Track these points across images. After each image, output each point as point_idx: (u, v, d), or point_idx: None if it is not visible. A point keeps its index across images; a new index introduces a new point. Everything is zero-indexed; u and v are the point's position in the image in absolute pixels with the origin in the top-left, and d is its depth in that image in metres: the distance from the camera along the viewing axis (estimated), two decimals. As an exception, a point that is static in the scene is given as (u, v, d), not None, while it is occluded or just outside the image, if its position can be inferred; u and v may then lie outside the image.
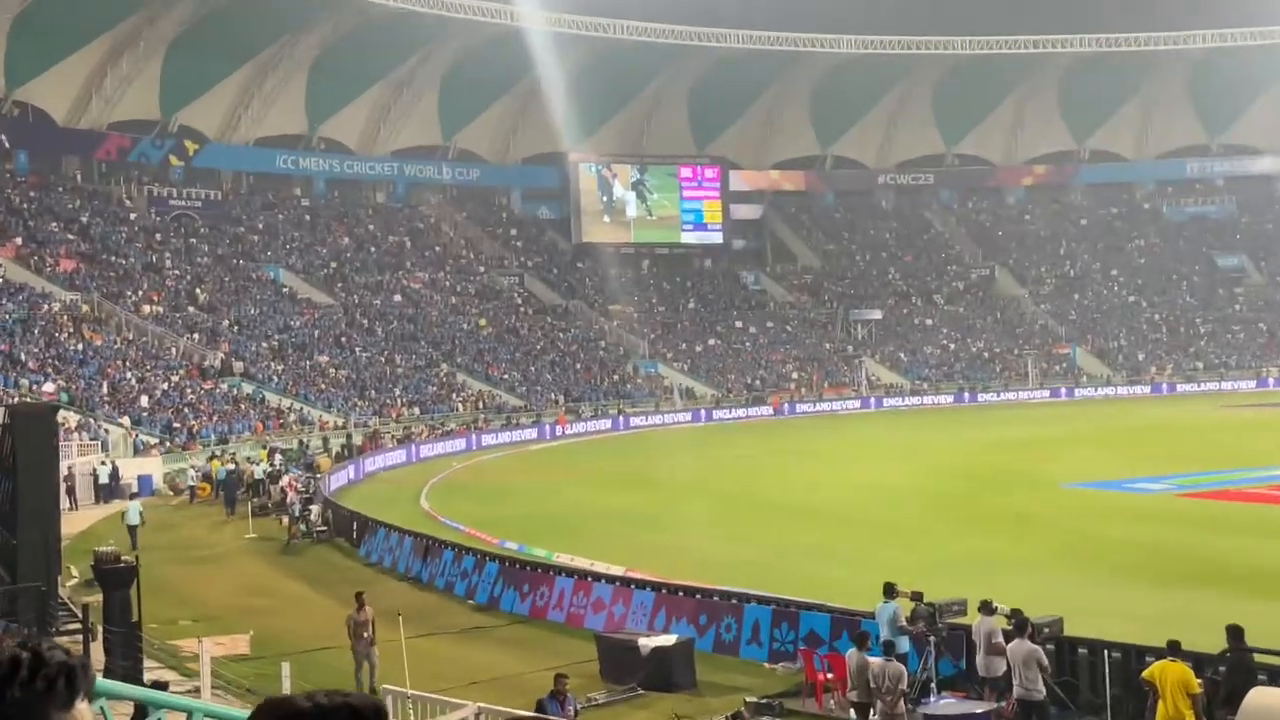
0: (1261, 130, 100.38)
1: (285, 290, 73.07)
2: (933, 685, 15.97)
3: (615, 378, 77.48)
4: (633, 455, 52.68)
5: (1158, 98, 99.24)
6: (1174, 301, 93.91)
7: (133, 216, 73.59)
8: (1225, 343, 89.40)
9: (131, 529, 32.69)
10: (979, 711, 14.56)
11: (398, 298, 77.51)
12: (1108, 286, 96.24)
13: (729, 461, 47.54)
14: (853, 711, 15.52)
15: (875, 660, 15.15)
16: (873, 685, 14.88)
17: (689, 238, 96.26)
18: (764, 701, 16.51)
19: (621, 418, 69.80)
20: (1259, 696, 11.84)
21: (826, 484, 39.39)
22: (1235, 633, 14.15)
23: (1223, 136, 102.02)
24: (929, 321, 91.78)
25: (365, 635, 18.41)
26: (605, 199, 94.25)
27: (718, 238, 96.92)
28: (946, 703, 15.08)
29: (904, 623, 16.66)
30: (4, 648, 1.34)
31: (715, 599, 20.75)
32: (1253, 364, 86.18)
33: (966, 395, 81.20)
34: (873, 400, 79.81)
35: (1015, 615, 15.62)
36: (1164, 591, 21.89)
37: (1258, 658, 14.15)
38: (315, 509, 34.22)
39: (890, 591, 17.10)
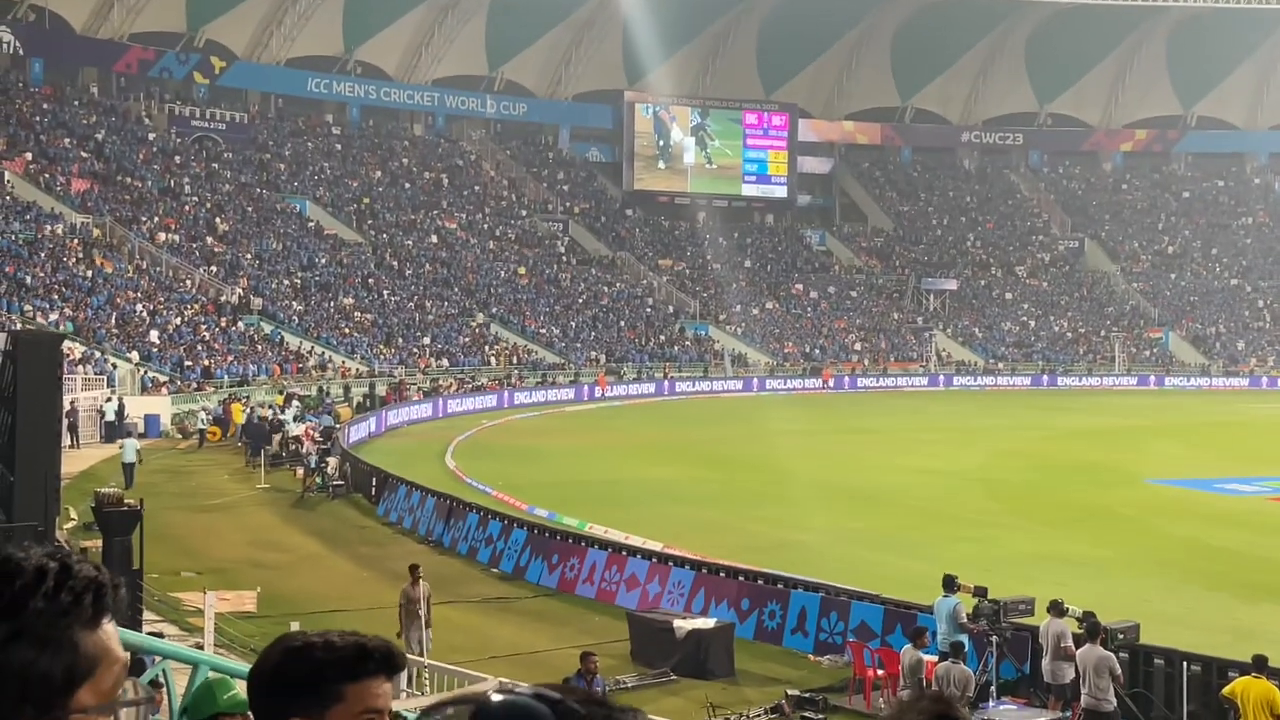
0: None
1: (311, 224, 73.47)
2: (992, 689, 15.94)
3: (661, 339, 77.49)
4: (677, 424, 52.73)
5: (1274, 62, 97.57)
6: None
7: (151, 136, 74.12)
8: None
9: (127, 467, 33.16)
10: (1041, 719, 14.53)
11: (432, 239, 77.77)
12: (1208, 267, 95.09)
13: (781, 436, 47.49)
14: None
15: (930, 658, 15.12)
16: (935, 688, 14.85)
17: (751, 190, 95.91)
18: (807, 695, 16.52)
19: (666, 382, 69.86)
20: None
21: (887, 466, 39.29)
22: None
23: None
24: (1008, 295, 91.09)
25: (420, 614, 17.83)
26: (661, 143, 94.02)
27: (782, 192, 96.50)
28: (1007, 709, 15.06)
29: (964, 619, 16.61)
30: (31, 556, 1.35)
31: (759, 582, 20.78)
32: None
33: (1045, 378, 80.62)
34: (941, 378, 79.43)
35: (1087, 618, 15.53)
36: (1250, 604, 21.71)
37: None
38: (333, 461, 34.52)
39: (951, 585, 17.05)
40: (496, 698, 1.06)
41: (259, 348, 56.61)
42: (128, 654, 1.34)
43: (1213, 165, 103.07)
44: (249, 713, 5.70)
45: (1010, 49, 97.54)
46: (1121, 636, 15.84)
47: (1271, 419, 58.02)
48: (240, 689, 5.52)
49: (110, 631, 1.35)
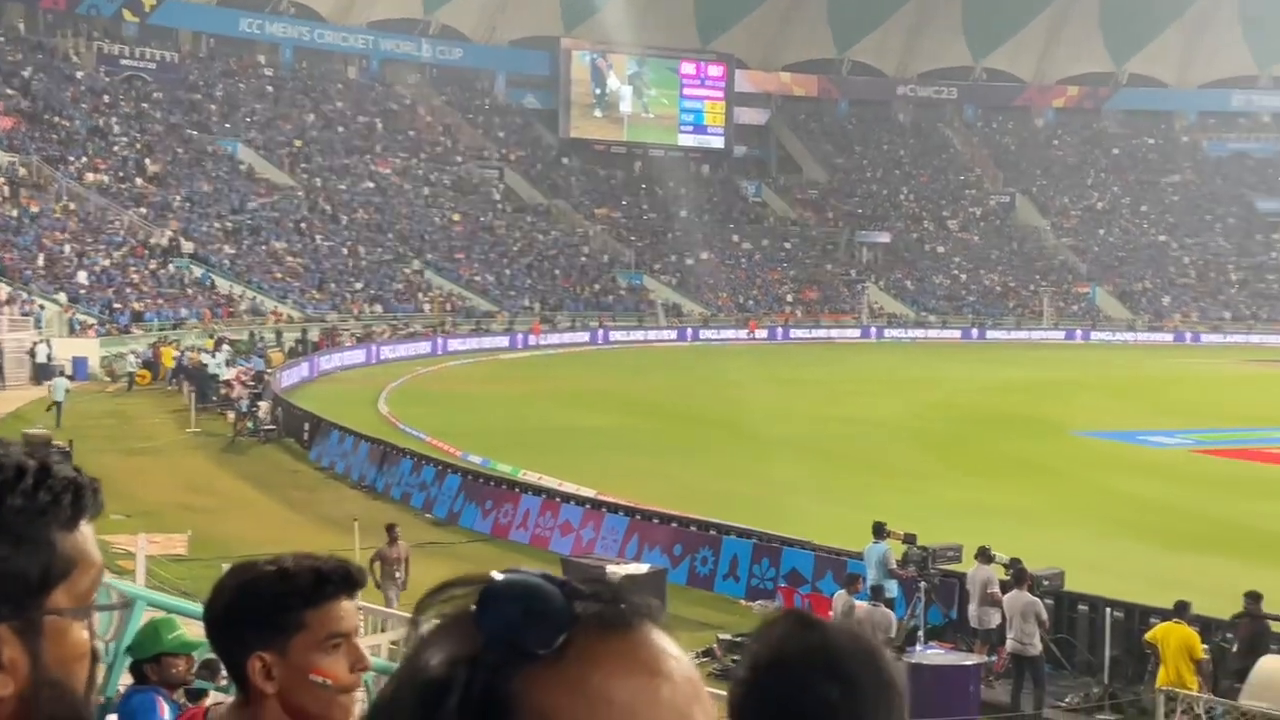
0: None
1: (243, 167, 72.48)
2: (920, 634, 16.15)
3: (596, 288, 77.37)
4: (611, 372, 52.77)
5: (1206, 21, 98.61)
6: (1206, 245, 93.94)
7: (79, 75, 72.67)
8: (1257, 292, 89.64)
9: (57, 405, 32.83)
10: (968, 664, 14.75)
11: (366, 184, 77.00)
12: (1136, 224, 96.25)
13: (715, 386, 47.66)
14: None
15: (861, 604, 15.30)
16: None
17: (687, 140, 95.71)
18: (738, 640, 16.65)
19: (601, 331, 69.86)
20: (1270, 664, 12.02)
21: (819, 416, 39.56)
22: (1254, 598, 14.32)
23: (1273, 68, 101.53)
24: (940, 249, 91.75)
25: (397, 576, 17.05)
26: (598, 91, 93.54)
27: (719, 142, 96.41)
28: (934, 653, 15.26)
29: (894, 566, 16.81)
30: (10, 454, 1.32)
31: (692, 529, 20.91)
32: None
33: (975, 331, 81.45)
34: (874, 330, 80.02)
35: (1014, 565, 15.77)
36: (1173, 552, 22.12)
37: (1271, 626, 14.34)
38: (264, 406, 34.26)
39: (880, 532, 17.23)
40: (502, 577, 1.00)
41: (189, 291, 55.94)
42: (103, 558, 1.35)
43: (1142, 123, 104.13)
44: (193, 654, 5.65)
45: (946, 3, 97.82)
46: (1047, 583, 16.11)
47: (1194, 373, 59.01)
48: (185, 629, 5.47)
49: (87, 534, 1.32)
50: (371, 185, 77.28)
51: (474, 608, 0.99)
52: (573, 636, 0.98)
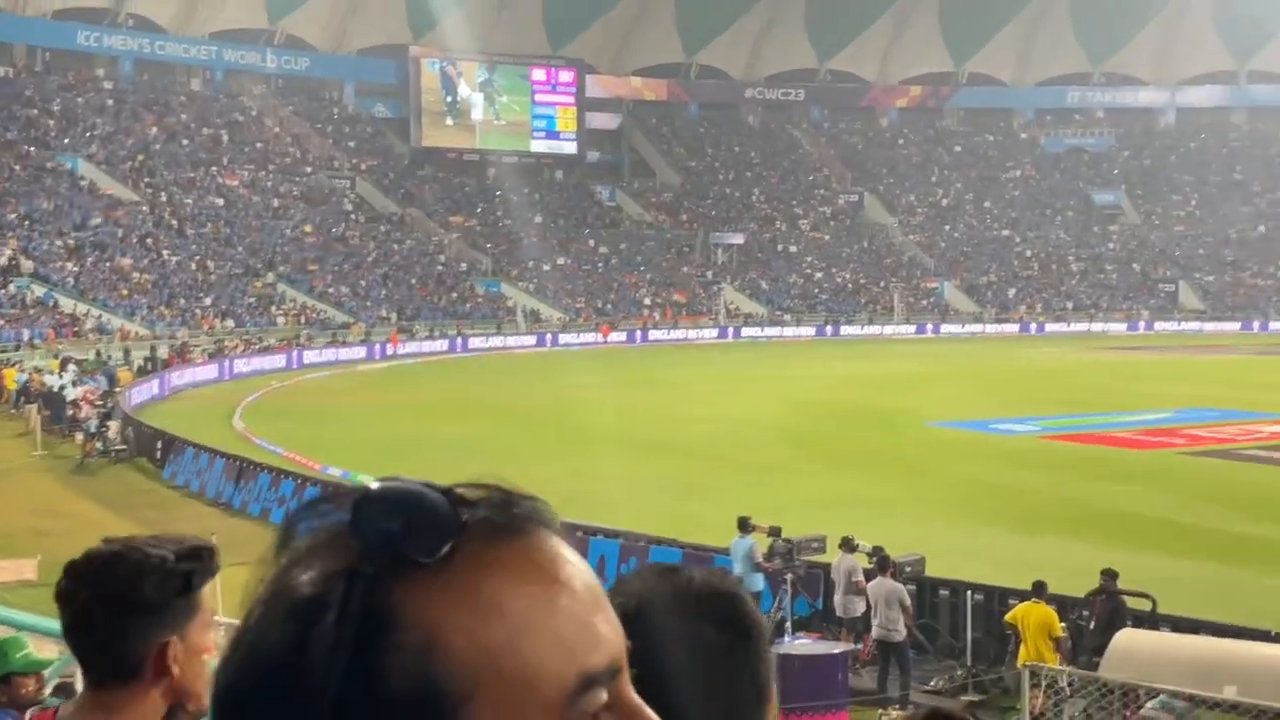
0: (1145, 61, 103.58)
1: (84, 183, 70.44)
2: (787, 625, 16.27)
3: (454, 295, 76.80)
4: (471, 380, 52.40)
5: (1041, 21, 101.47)
6: (1047, 237, 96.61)
7: (-93, 91, 70.03)
8: (1097, 282, 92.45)
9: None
10: (835, 652, 14.87)
11: (213, 197, 75.39)
12: (980, 219, 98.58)
13: (575, 390, 47.59)
14: (703, 651, 15.69)
15: (728, 598, 15.31)
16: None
17: (540, 146, 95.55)
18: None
19: (460, 339, 69.35)
20: (1126, 638, 12.32)
21: (679, 416, 39.72)
22: (1110, 575, 14.69)
23: (1106, 65, 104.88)
24: (793, 248, 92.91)
25: None
26: (449, 99, 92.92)
27: (571, 148, 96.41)
28: (802, 643, 15.36)
29: (760, 559, 16.91)
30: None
31: (558, 532, 20.74)
32: (1124, 305, 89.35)
33: (829, 328, 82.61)
34: (731, 330, 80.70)
35: (877, 553, 15.98)
36: (1027, 535, 22.63)
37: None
38: (113, 425, 33.33)
39: (745, 526, 17.31)
40: (379, 485, 0.90)
41: (31, 311, 54.21)
42: None
43: (983, 120, 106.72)
44: (43, 673, 5.38)
45: (790, 6, 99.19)
46: (909, 569, 16.37)
47: (1041, 363, 60.62)
48: (33, 648, 5.23)
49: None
50: (219, 198, 75.70)
51: (348, 518, 0.90)
52: (460, 544, 0.89)
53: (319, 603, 0.87)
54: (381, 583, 0.87)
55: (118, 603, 2.09)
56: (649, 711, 0.93)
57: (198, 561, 2.13)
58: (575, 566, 0.93)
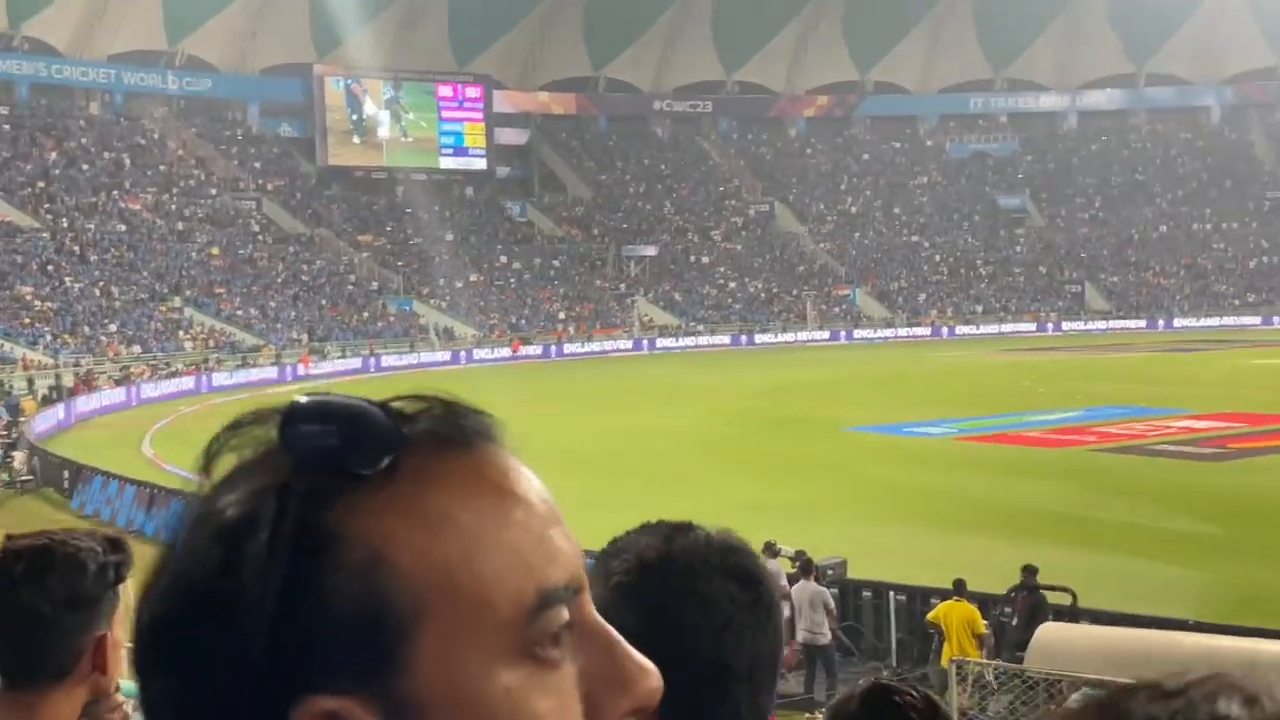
0: (1046, 65, 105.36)
1: (-19, 210, 69.00)
2: (712, 633, 16.22)
3: (365, 315, 76.15)
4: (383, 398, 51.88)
5: (943, 28, 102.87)
6: (955, 242, 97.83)
7: None
8: (1005, 285, 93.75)
9: None
10: (761, 658, 14.85)
11: (116, 223, 74.14)
12: (889, 225, 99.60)
13: (491, 406, 46.88)
14: (628, 662, 15.62)
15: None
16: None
17: (448, 163, 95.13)
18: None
19: (373, 359, 68.72)
20: (1048, 632, 12.43)
21: (595, 429, 39.64)
22: (1030, 571, 14.83)
23: (1007, 71, 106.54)
24: (705, 259, 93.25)
25: None
26: (355, 117, 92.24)
27: (481, 164, 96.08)
28: (727, 650, 15.34)
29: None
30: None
31: (478, 548, 20.59)
32: (1032, 307, 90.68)
33: (744, 338, 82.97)
34: (645, 342, 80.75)
35: (800, 557, 16.01)
36: (946, 535, 22.81)
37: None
38: (19, 456, 32.61)
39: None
40: (309, 397, 0.82)
41: (-70, 342, 52.96)
42: None
43: (889, 128, 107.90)
44: None
45: (696, 18, 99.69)
46: (831, 572, 16.42)
47: (953, 366, 61.34)
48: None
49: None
50: (122, 223, 74.46)
51: (278, 434, 0.82)
52: (402, 457, 0.81)
53: (249, 521, 0.79)
54: (318, 498, 0.79)
55: (58, 599, 2.01)
56: (613, 632, 0.86)
57: (122, 553, 2.09)
58: (529, 479, 0.88)
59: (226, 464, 0.84)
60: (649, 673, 0.86)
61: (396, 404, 0.85)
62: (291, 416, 0.81)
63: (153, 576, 0.82)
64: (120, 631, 2.04)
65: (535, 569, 0.82)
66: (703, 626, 1.39)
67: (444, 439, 0.85)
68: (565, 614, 0.82)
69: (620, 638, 0.87)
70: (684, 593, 1.40)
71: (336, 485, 0.80)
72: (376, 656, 0.78)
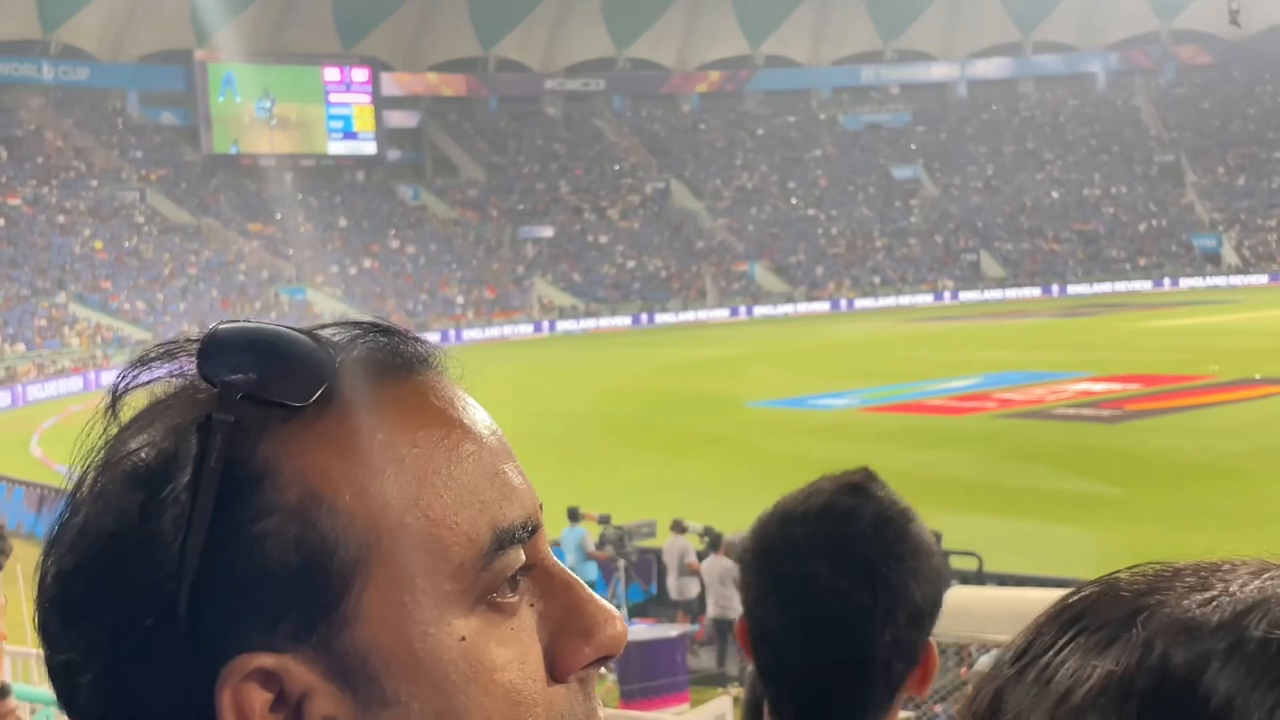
0: (935, 36, 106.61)
1: None
2: (623, 612, 16.26)
3: (258, 305, 75.02)
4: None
5: (832, 0, 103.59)
6: (851, 214, 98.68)
7: None
8: (901, 256, 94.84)
9: None
10: (673, 636, 14.93)
11: (-7, 217, 72.31)
12: (785, 199, 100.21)
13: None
14: (539, 645, 15.62)
15: (562, 589, 15.27)
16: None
17: (337, 148, 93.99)
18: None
19: (266, 350, 67.81)
20: (955, 595, 12.59)
21: (499, 412, 39.18)
22: (934, 536, 15.03)
23: (897, 42, 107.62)
24: (603, 239, 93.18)
25: None
26: (239, 102, 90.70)
27: (371, 148, 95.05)
28: (638, 629, 15.38)
29: (592, 548, 16.88)
30: None
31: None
32: (929, 277, 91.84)
33: (644, 317, 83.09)
34: (546, 324, 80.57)
35: (708, 533, 16.08)
36: (852, 505, 23.06)
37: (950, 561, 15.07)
38: (-100, 462, 31.71)
39: (575, 516, 17.28)
40: (227, 325, 0.75)
41: None
42: None
43: (782, 102, 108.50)
44: None
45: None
46: (740, 546, 16.49)
47: (853, 337, 61.96)
48: None
49: None
50: (0, 217, 72.62)
51: (196, 364, 0.74)
52: (336, 386, 0.74)
53: (168, 459, 0.71)
54: (245, 433, 0.71)
55: None
56: (573, 575, 0.80)
57: None
58: (477, 409, 0.80)
59: (136, 403, 0.75)
60: (613, 618, 0.79)
61: (325, 331, 0.79)
62: (210, 346, 0.74)
63: (58, 528, 0.74)
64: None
65: (489, 506, 0.75)
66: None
67: (382, 365, 0.77)
68: (522, 556, 0.76)
69: (581, 581, 0.80)
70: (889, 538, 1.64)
71: (264, 418, 0.72)
72: (316, 608, 0.70)
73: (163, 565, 0.69)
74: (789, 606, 1.53)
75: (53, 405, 49.20)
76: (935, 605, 1.56)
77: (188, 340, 0.76)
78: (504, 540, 0.74)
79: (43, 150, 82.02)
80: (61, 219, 75.39)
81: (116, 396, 0.76)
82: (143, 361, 0.77)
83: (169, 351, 0.77)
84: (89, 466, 0.74)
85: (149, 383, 0.75)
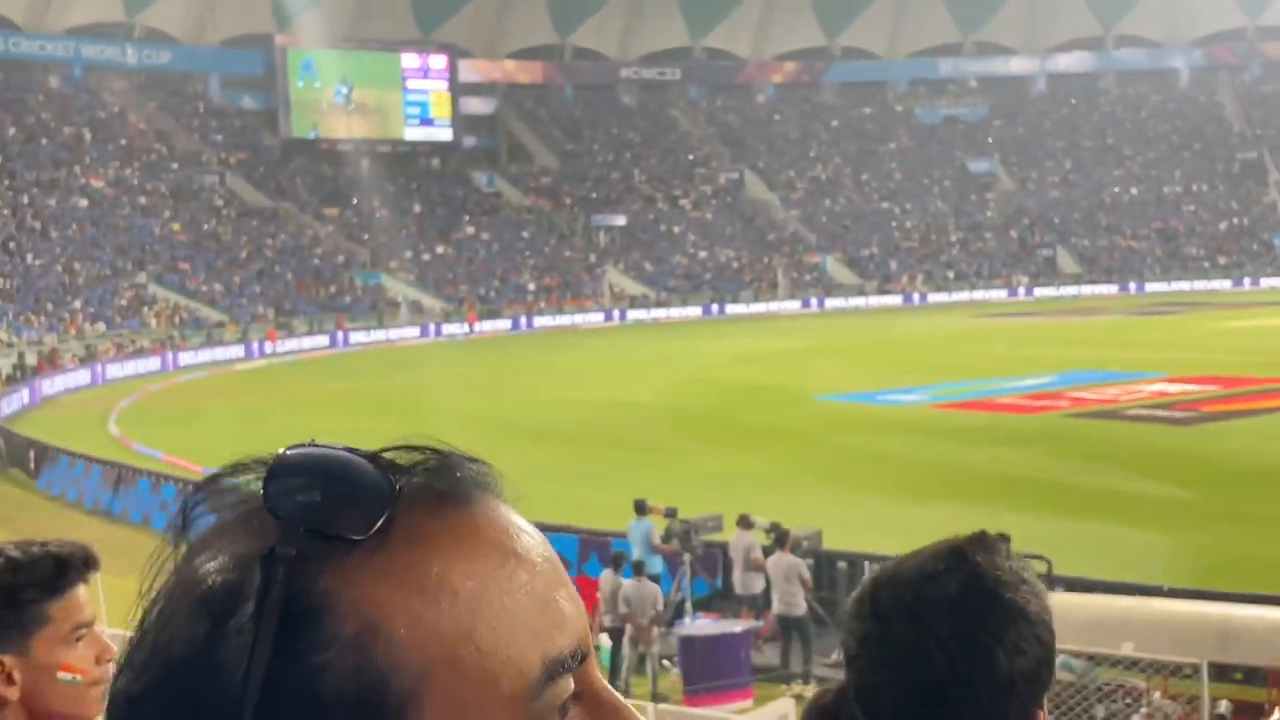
0: (1015, 29, 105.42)
1: (-61, 188, 68.38)
2: (688, 606, 16.28)
3: (332, 289, 75.79)
4: (353, 374, 51.77)
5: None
6: (926, 208, 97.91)
7: None
8: (976, 251, 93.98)
9: None
10: (737, 631, 14.91)
11: (77, 198, 73.50)
12: (859, 192, 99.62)
13: (462, 379, 47.34)
14: (605, 637, 15.67)
15: (628, 582, 15.32)
16: (623, 609, 15.05)
17: (414, 134, 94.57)
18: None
19: (340, 334, 68.46)
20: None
21: (569, 402, 39.63)
22: (1003, 539, 14.87)
23: (976, 35, 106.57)
24: (675, 228, 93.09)
25: None
26: (318, 87, 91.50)
27: (447, 134, 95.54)
28: (702, 623, 15.39)
29: (658, 541, 16.89)
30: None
31: (451, 524, 20.59)
32: (1003, 272, 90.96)
33: (715, 307, 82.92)
34: (616, 313, 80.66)
35: (774, 529, 16.04)
36: (920, 504, 22.89)
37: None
38: (-17, 437, 32.39)
39: (642, 509, 17.29)
40: (295, 451, 0.77)
41: (-111, 323, 52.50)
42: None
43: (858, 94, 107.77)
44: None
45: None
46: (806, 543, 16.46)
47: (925, 331, 61.51)
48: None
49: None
50: (83, 199, 73.84)
51: (260, 492, 0.76)
52: (395, 516, 0.76)
53: (233, 591, 0.74)
54: (307, 565, 0.73)
55: None
56: (620, 699, 0.81)
57: (31, 573, 1.92)
58: (531, 537, 0.82)
59: (206, 522, 0.78)
60: None
61: (388, 454, 0.80)
62: (277, 473, 0.76)
63: (130, 647, 0.77)
64: (48, 653, 1.90)
65: (540, 637, 0.76)
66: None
67: (439, 494, 0.80)
68: (571, 684, 0.77)
69: (628, 705, 0.81)
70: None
71: (325, 550, 0.74)
72: None
73: (226, 694, 0.71)
74: (873, 671, 1.53)
75: (130, 384, 50.00)
76: (1033, 677, 1.53)
77: (256, 462, 0.78)
78: (554, 671, 0.76)
79: (125, 133, 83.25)
80: (143, 201, 76.51)
81: (186, 514, 0.79)
82: (212, 481, 0.79)
83: (236, 470, 0.79)
84: (159, 592, 0.77)
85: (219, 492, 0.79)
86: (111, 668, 1.97)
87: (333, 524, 0.74)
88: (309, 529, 0.74)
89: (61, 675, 1.90)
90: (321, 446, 0.78)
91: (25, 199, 70.76)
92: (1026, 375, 40.41)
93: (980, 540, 1.61)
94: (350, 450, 0.78)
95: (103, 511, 25.73)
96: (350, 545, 0.74)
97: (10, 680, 1.88)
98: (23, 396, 44.25)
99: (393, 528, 0.75)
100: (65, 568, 1.91)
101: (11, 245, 65.27)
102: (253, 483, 0.77)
